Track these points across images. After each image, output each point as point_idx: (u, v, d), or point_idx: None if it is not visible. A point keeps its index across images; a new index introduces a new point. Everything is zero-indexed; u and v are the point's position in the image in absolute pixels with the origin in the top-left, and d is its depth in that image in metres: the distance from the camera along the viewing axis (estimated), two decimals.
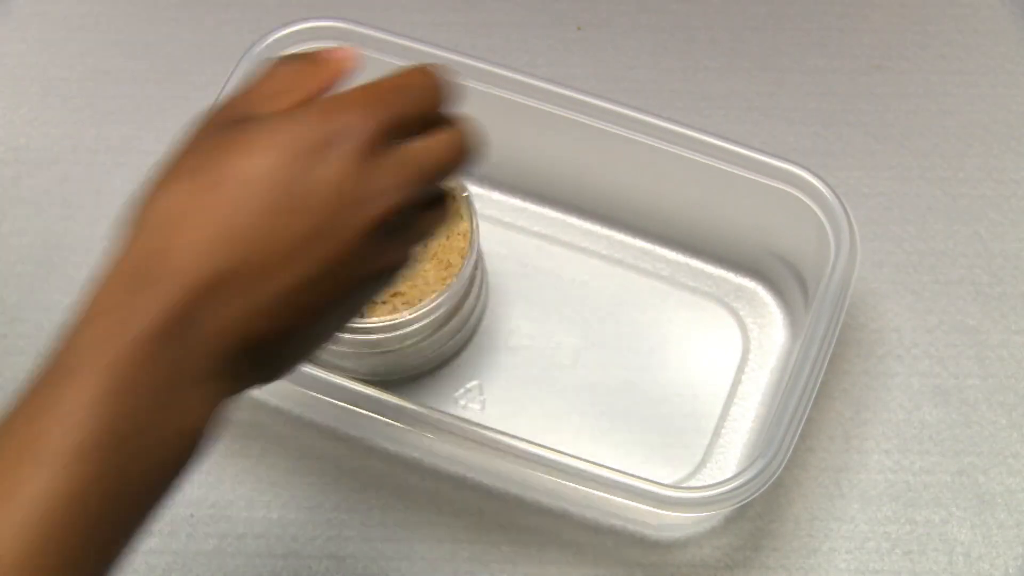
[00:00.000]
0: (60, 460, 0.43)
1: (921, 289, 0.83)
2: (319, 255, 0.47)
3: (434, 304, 0.74)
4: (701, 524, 0.77)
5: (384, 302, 0.75)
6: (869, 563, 0.76)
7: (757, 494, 0.69)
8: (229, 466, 0.78)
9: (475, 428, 0.70)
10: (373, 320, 0.74)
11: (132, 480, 0.45)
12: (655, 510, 0.69)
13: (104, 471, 0.44)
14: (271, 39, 0.80)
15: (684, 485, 0.77)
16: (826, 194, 0.75)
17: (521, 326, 0.82)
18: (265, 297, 0.46)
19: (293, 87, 0.50)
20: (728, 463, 0.78)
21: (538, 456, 0.69)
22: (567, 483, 0.70)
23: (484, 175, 0.85)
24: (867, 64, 0.91)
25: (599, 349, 0.81)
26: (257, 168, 0.47)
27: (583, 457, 0.70)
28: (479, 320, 0.82)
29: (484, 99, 0.79)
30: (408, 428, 0.71)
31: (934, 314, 0.82)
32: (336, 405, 0.72)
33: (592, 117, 0.78)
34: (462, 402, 0.80)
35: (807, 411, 0.70)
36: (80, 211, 0.86)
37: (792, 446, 0.69)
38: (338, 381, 0.71)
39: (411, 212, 0.50)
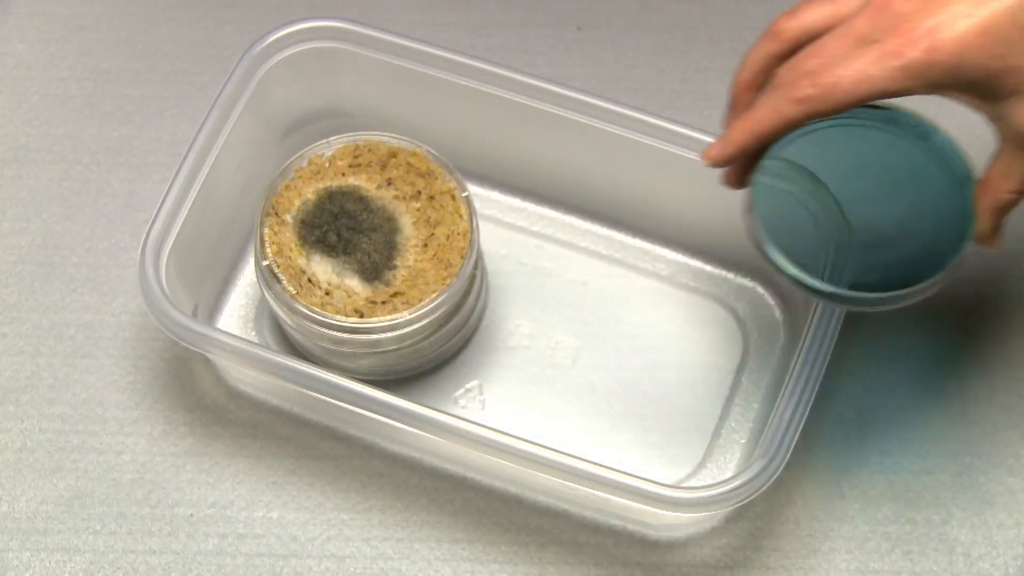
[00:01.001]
0: None
1: None
2: None
3: (434, 304, 0.75)
4: (701, 524, 0.77)
5: (384, 302, 0.75)
6: (869, 563, 0.76)
7: (757, 494, 0.69)
8: (229, 466, 0.78)
9: (475, 428, 0.70)
10: (373, 320, 0.74)
11: None
12: (655, 510, 0.69)
13: None
14: (271, 39, 0.80)
15: (684, 485, 0.77)
16: None
17: (521, 326, 0.82)
18: None
19: None
20: (728, 463, 0.78)
21: (538, 456, 0.69)
22: (567, 483, 0.70)
23: (484, 175, 0.85)
24: None
25: (599, 349, 0.81)
26: None
27: (583, 457, 0.70)
28: (479, 320, 0.82)
29: (484, 99, 0.79)
30: (408, 428, 0.71)
31: (934, 314, 0.82)
32: (336, 405, 0.72)
33: (592, 117, 0.78)
34: (462, 402, 0.80)
35: (807, 411, 0.70)
36: (80, 211, 0.86)
37: (792, 446, 0.70)
38: (338, 381, 0.71)
39: None
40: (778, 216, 0.68)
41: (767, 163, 0.66)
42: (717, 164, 0.66)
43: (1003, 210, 0.65)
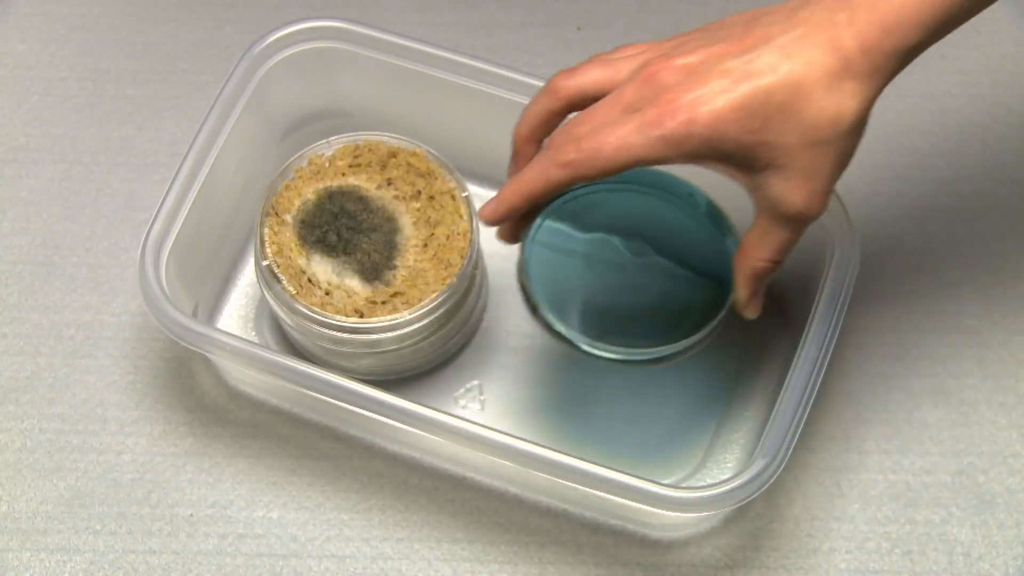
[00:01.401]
0: None
1: (921, 289, 0.83)
2: None
3: (434, 304, 0.75)
4: (701, 524, 0.77)
5: (384, 302, 0.75)
6: (869, 563, 0.76)
7: (757, 494, 0.69)
8: (229, 466, 0.78)
9: (475, 428, 0.70)
10: (373, 320, 0.74)
11: None
12: (655, 510, 0.69)
13: None
14: (271, 39, 0.80)
15: (684, 485, 0.77)
16: None
17: (521, 326, 0.82)
18: None
19: None
20: (728, 463, 0.78)
21: (538, 456, 0.69)
22: (567, 483, 0.70)
23: (484, 175, 0.85)
24: None
25: None
26: None
27: (583, 457, 0.70)
28: (479, 320, 0.82)
29: (484, 99, 0.79)
30: (408, 428, 0.71)
31: (934, 314, 0.82)
32: (336, 405, 0.72)
33: None
34: (462, 402, 0.80)
35: (807, 411, 0.70)
36: (80, 211, 0.86)
37: (792, 446, 0.70)
38: (338, 381, 0.71)
39: None
40: (550, 275, 0.71)
41: (541, 222, 0.70)
42: (491, 223, 0.69)
43: (758, 278, 0.67)
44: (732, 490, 0.69)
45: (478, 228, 0.77)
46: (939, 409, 0.80)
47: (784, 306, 0.82)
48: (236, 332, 0.81)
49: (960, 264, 0.84)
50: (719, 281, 0.71)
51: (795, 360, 0.72)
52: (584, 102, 0.65)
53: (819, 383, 0.71)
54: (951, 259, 0.84)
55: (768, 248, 0.66)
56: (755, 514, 0.77)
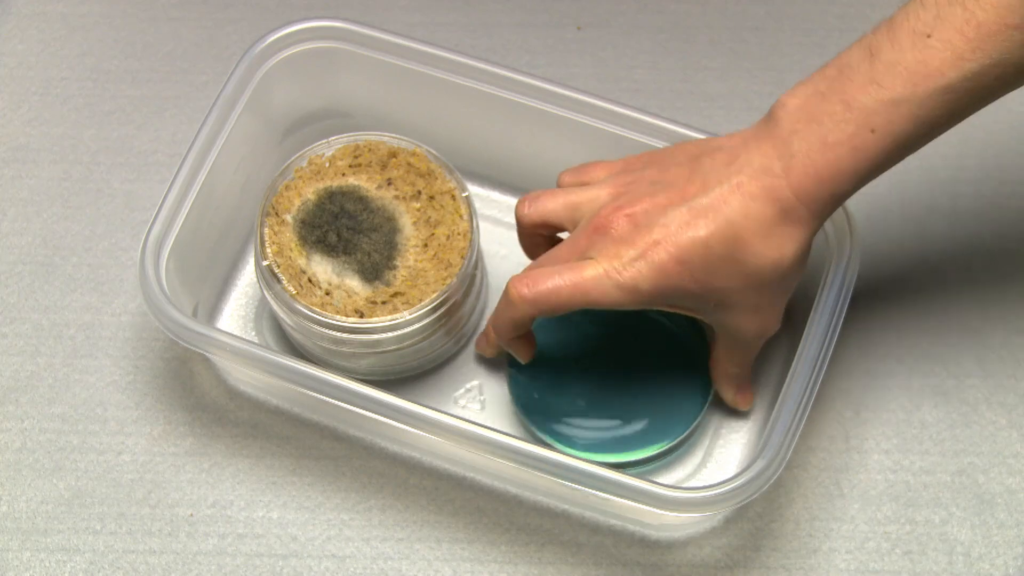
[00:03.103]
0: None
1: (921, 289, 0.83)
2: None
3: (434, 304, 0.75)
4: (701, 524, 0.77)
5: (384, 302, 0.75)
6: (869, 563, 0.76)
7: (757, 494, 0.69)
8: (229, 466, 0.78)
9: (475, 428, 0.70)
10: (373, 320, 0.74)
11: None
12: (655, 510, 0.69)
13: None
14: (271, 39, 0.80)
15: (684, 485, 0.77)
16: None
17: None
18: None
19: None
20: (728, 463, 0.78)
21: (538, 456, 0.69)
22: (567, 483, 0.70)
23: (484, 175, 0.85)
24: None
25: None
26: None
27: (583, 457, 0.70)
28: (479, 320, 0.82)
29: (484, 99, 0.79)
30: (408, 428, 0.71)
31: (934, 314, 0.82)
32: (336, 405, 0.72)
33: (592, 117, 0.78)
34: (462, 402, 0.80)
35: (807, 411, 0.70)
36: (80, 211, 0.86)
37: (792, 446, 0.70)
38: (338, 381, 0.71)
39: None
40: (533, 390, 0.77)
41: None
42: (493, 355, 0.79)
43: (736, 379, 0.75)
44: (732, 490, 0.69)
45: (478, 228, 0.77)
46: (939, 409, 0.80)
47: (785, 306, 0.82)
48: (236, 332, 0.81)
49: (960, 264, 0.84)
50: (698, 388, 0.77)
51: (795, 360, 0.72)
52: (544, 229, 0.72)
53: (819, 383, 0.71)
54: (951, 259, 0.84)
55: (734, 362, 0.74)
56: (755, 514, 0.77)
